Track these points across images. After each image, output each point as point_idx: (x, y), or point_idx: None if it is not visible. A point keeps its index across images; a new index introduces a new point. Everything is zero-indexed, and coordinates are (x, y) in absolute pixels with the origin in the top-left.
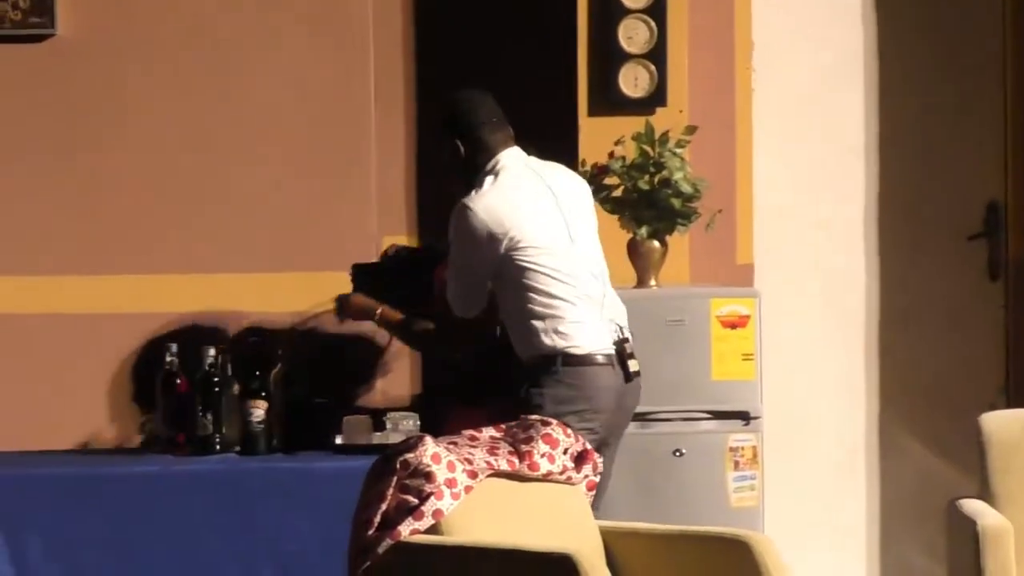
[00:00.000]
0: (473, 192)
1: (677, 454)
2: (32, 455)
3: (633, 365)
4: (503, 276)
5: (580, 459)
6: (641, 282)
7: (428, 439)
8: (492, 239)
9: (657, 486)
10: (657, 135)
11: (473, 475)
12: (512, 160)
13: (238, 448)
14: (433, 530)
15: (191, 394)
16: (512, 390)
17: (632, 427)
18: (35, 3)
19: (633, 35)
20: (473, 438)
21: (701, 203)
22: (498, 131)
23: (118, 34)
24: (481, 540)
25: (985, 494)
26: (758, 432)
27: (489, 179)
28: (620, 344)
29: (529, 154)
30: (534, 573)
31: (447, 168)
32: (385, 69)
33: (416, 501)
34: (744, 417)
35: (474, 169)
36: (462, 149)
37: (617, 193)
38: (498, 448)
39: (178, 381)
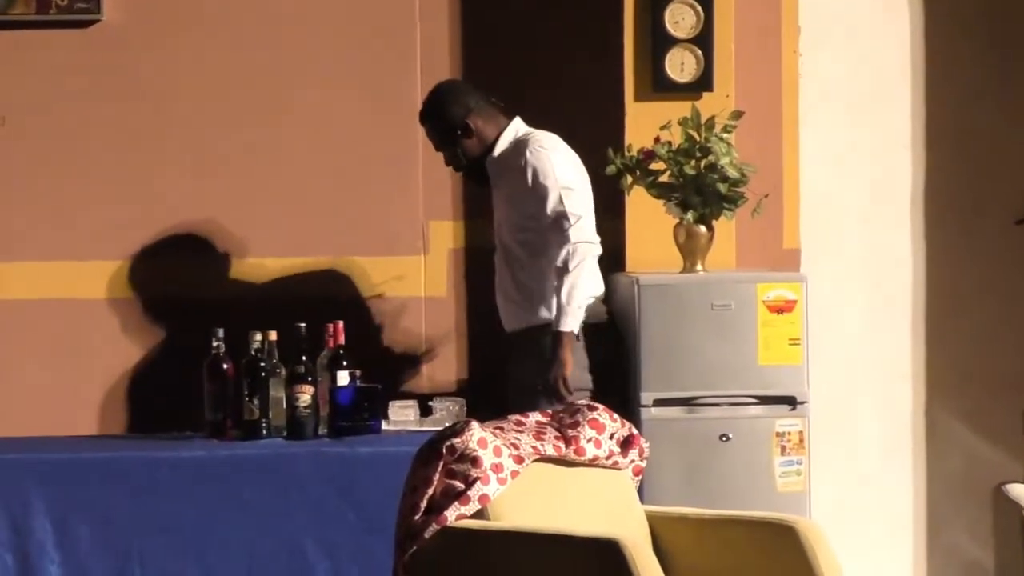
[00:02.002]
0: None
1: (724, 439)
2: (80, 440)
3: None
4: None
5: (626, 444)
6: (687, 267)
7: (474, 424)
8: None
9: (704, 471)
10: (703, 120)
11: (519, 460)
12: (527, 127)
13: (285, 433)
14: (479, 515)
15: (238, 379)
16: (521, 367)
17: (679, 412)
18: None
19: (680, 20)
20: (519, 423)
21: (747, 188)
22: (496, 104)
23: (164, 19)
24: (527, 525)
25: None
26: (805, 417)
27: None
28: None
29: (575, 139)
30: (581, 558)
31: (461, 156)
32: (432, 56)
33: (462, 486)
34: (791, 402)
35: (483, 143)
36: (473, 127)
37: (664, 178)
38: (544, 433)
39: (225, 366)
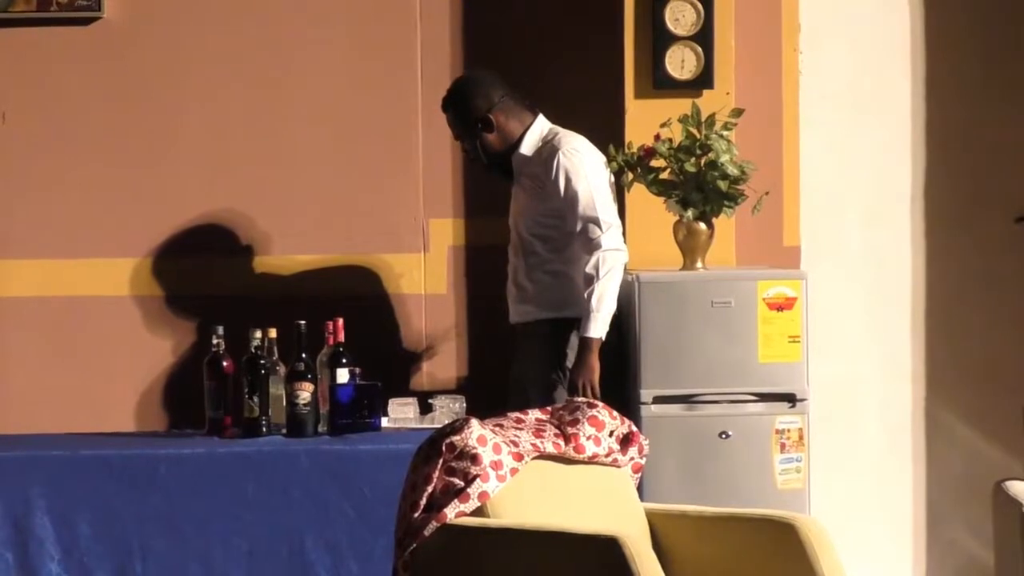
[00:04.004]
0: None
1: (723, 436)
2: (80, 437)
3: None
4: (579, 233)
5: (626, 441)
6: (688, 264)
7: (474, 421)
8: (606, 167)
9: (703, 468)
10: (704, 117)
11: (519, 457)
12: (551, 125)
13: (284, 430)
14: (479, 512)
15: (237, 376)
16: (523, 361)
17: (678, 409)
18: None
19: (680, 17)
20: (519, 420)
21: (748, 185)
22: (521, 100)
23: (165, 17)
24: (527, 522)
25: None
26: (804, 414)
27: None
28: None
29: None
30: (580, 555)
31: (480, 149)
32: (432, 52)
33: (462, 483)
34: (790, 399)
35: (505, 139)
36: (494, 122)
37: (664, 175)
38: (544, 430)
39: (224, 363)
